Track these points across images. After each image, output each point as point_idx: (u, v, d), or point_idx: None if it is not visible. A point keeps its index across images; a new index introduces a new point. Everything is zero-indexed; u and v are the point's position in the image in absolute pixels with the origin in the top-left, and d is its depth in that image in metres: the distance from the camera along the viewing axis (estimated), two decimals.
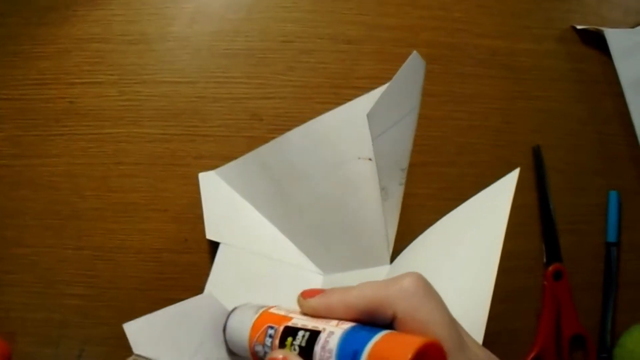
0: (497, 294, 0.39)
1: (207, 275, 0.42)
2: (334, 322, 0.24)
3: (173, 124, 0.43)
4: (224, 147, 0.43)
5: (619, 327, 0.47)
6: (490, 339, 0.47)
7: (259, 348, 0.27)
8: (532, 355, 0.45)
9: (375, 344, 0.21)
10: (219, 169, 0.43)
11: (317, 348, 0.23)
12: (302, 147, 0.38)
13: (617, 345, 0.46)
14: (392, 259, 0.40)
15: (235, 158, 0.43)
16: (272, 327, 0.27)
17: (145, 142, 0.43)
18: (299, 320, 0.26)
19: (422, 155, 0.46)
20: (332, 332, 0.23)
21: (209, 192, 0.42)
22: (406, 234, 0.40)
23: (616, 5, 0.50)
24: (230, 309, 0.33)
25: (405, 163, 0.39)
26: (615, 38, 0.48)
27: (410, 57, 0.33)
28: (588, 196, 0.48)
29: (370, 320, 0.23)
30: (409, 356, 0.19)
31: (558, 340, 0.46)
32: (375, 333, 0.22)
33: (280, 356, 0.24)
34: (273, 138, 0.43)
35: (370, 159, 0.36)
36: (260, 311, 0.29)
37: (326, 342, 0.23)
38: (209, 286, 0.40)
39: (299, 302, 0.27)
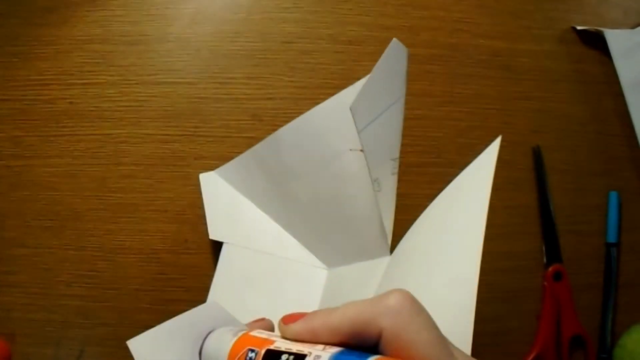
0: (497, 295, 0.39)
1: (207, 275, 0.42)
2: (320, 346, 0.23)
3: (173, 125, 0.43)
4: (224, 147, 0.44)
5: (619, 327, 0.47)
6: (491, 340, 0.47)
7: None
8: (532, 355, 0.45)
9: None
10: (219, 169, 0.43)
11: None
12: (295, 142, 0.38)
13: (617, 345, 0.46)
14: (392, 249, 0.40)
15: None
16: (252, 350, 0.25)
17: (146, 142, 0.43)
18: (282, 344, 0.24)
19: (421, 155, 0.46)
20: (319, 357, 0.22)
21: (210, 192, 0.42)
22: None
23: (616, 5, 0.50)
24: (235, 308, 0.33)
25: (395, 153, 0.39)
26: (615, 38, 0.48)
27: (390, 44, 0.32)
28: (588, 197, 0.48)
29: (357, 342, 0.22)
30: None
31: (558, 340, 0.46)
32: (364, 357, 0.21)
33: None
34: None
35: (362, 150, 0.36)
36: (240, 334, 0.28)
37: None
38: (214, 287, 0.40)
39: (280, 328, 0.25)
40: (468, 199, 0.35)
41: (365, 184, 0.37)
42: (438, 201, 0.40)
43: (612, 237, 0.47)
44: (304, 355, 0.22)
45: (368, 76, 0.34)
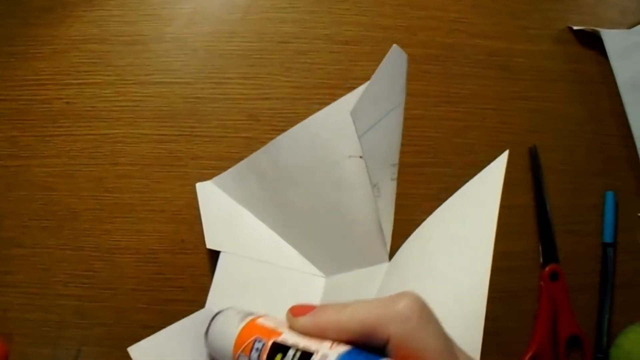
0: (493, 295, 0.39)
1: (204, 275, 0.42)
2: (327, 343, 0.23)
3: (170, 125, 0.43)
4: (220, 147, 0.44)
5: (616, 327, 0.47)
6: (487, 340, 0.47)
7: None
8: (528, 355, 0.45)
9: None
10: (215, 178, 0.43)
11: None
12: (293, 150, 0.38)
13: (613, 345, 0.46)
14: (391, 256, 0.40)
15: (232, 158, 0.43)
16: (259, 341, 0.25)
17: (142, 142, 0.43)
18: (289, 337, 0.24)
19: (418, 155, 0.46)
20: (326, 356, 0.22)
21: (206, 201, 0.42)
22: (404, 235, 0.41)
23: (613, 5, 0.50)
24: None
25: (395, 158, 0.39)
26: (612, 39, 0.48)
27: (391, 50, 0.33)
28: (584, 197, 0.48)
29: (364, 342, 0.22)
30: None
31: (554, 340, 0.46)
32: None
33: None
34: (270, 138, 0.43)
35: (361, 157, 0.36)
36: (247, 320, 0.28)
37: None
38: (211, 296, 0.40)
39: (288, 319, 0.25)
40: (476, 209, 0.35)
41: (364, 190, 0.37)
42: (441, 211, 0.39)
43: (608, 237, 0.47)
44: (311, 353, 0.23)
45: (367, 82, 0.34)
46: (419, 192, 0.46)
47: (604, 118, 0.49)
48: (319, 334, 0.23)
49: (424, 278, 0.36)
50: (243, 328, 0.28)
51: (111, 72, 0.43)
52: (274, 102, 0.44)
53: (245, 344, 0.26)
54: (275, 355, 0.24)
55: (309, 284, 0.41)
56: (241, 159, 0.42)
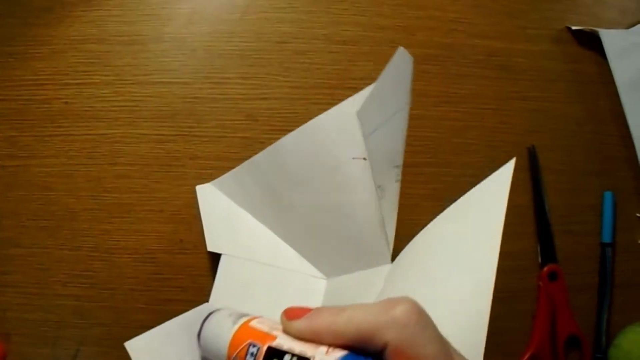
0: (492, 295, 0.39)
1: (203, 275, 0.43)
2: (323, 347, 0.23)
3: (168, 125, 0.43)
4: (219, 147, 0.44)
5: (614, 327, 0.47)
6: (486, 340, 0.47)
7: None
8: (527, 355, 0.45)
9: None
10: (215, 181, 0.43)
11: None
12: (296, 152, 0.38)
13: (612, 345, 0.46)
14: (393, 257, 0.40)
15: (231, 158, 0.43)
16: (254, 345, 0.25)
17: (141, 142, 0.43)
18: (285, 341, 0.24)
19: (417, 155, 0.46)
20: None
21: (207, 204, 0.42)
22: (402, 235, 0.41)
23: (611, 5, 0.50)
24: None
25: (399, 160, 0.39)
26: (611, 39, 0.48)
27: (397, 53, 0.33)
28: (583, 197, 0.48)
29: (360, 347, 0.22)
30: None
31: (553, 340, 0.46)
32: None
33: None
34: (268, 138, 0.43)
35: (364, 159, 0.36)
36: (240, 322, 0.28)
37: None
38: (213, 299, 0.40)
39: (282, 322, 0.25)
40: (482, 216, 0.35)
41: (368, 191, 0.37)
42: (446, 216, 0.39)
43: (607, 237, 0.47)
44: (307, 359, 0.22)
45: (370, 85, 0.34)
46: (418, 192, 0.46)
47: (603, 118, 0.49)
48: (315, 339, 0.23)
49: (427, 281, 0.36)
50: (237, 331, 0.27)
51: (110, 72, 0.43)
52: (273, 102, 0.44)
53: (240, 348, 0.26)
54: None
55: (311, 286, 0.41)
56: (240, 158, 0.42)
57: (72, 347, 0.41)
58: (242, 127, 0.44)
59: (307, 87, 0.45)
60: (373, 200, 0.37)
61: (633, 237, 0.49)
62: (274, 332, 0.25)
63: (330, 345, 0.23)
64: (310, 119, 0.37)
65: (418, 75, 0.47)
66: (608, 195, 0.48)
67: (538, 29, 0.49)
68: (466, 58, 0.47)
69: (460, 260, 0.35)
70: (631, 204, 0.49)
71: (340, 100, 0.37)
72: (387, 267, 0.39)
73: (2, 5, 0.43)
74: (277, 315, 0.28)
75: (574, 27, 0.49)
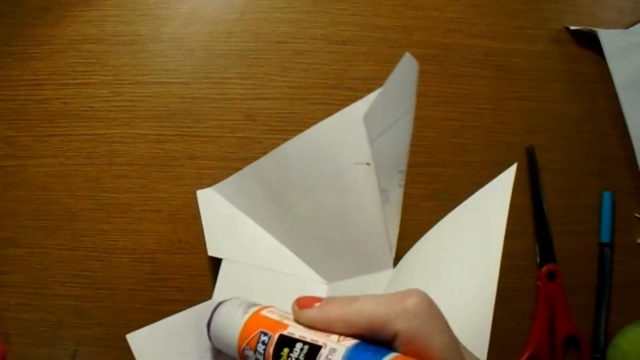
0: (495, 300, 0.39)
1: (201, 275, 0.43)
2: (334, 336, 0.23)
3: (167, 125, 0.43)
4: (217, 147, 0.44)
5: (613, 327, 0.47)
6: None
7: (249, 353, 0.26)
8: (525, 355, 0.45)
9: None
10: (216, 186, 0.43)
11: None
12: (299, 157, 0.38)
13: (610, 345, 0.46)
14: (395, 261, 0.40)
15: (229, 159, 0.43)
16: (265, 334, 0.25)
17: (139, 142, 0.43)
18: (296, 330, 0.24)
19: (416, 155, 0.46)
20: (334, 350, 0.22)
21: (208, 209, 0.42)
22: (400, 235, 0.40)
23: (610, 5, 0.50)
24: None
25: (403, 165, 0.39)
26: (609, 39, 0.48)
27: (403, 58, 0.33)
28: (582, 197, 0.48)
29: (370, 336, 0.23)
30: None
31: (552, 340, 0.46)
32: (381, 356, 0.21)
33: None
34: (267, 139, 0.43)
35: (368, 164, 0.36)
36: (251, 311, 0.28)
37: (328, 359, 0.22)
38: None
39: (293, 311, 0.25)
40: (484, 221, 0.35)
41: (371, 196, 0.37)
42: (447, 222, 0.39)
43: (605, 237, 0.47)
44: (320, 346, 0.22)
45: (376, 91, 0.34)
46: (416, 192, 0.46)
47: (601, 118, 0.49)
48: (326, 327, 0.24)
49: (430, 285, 0.36)
50: (247, 320, 0.27)
51: (108, 72, 0.43)
52: (271, 102, 0.44)
53: (251, 337, 0.26)
54: (281, 349, 0.24)
55: (312, 291, 0.41)
56: (238, 158, 0.42)
57: (70, 347, 0.41)
58: (241, 127, 0.44)
59: (306, 87, 0.45)
60: (376, 205, 0.37)
61: (632, 237, 0.49)
62: (285, 321, 0.26)
63: (341, 334, 0.23)
64: (309, 119, 0.37)
65: None
66: (607, 195, 0.48)
67: (536, 29, 0.49)
68: (464, 58, 0.47)
69: (463, 264, 0.35)
70: (630, 204, 0.49)
71: (340, 100, 0.37)
72: (389, 273, 0.39)
73: (0, 5, 0.43)
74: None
75: (572, 27, 0.49)
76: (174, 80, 0.44)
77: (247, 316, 0.28)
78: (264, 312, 0.27)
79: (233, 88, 0.44)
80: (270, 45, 0.45)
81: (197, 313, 0.33)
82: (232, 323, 0.28)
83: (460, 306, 0.32)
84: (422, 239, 0.41)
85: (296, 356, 0.23)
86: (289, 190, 0.39)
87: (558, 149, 0.48)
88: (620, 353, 0.45)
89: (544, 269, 0.46)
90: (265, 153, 0.39)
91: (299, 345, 0.23)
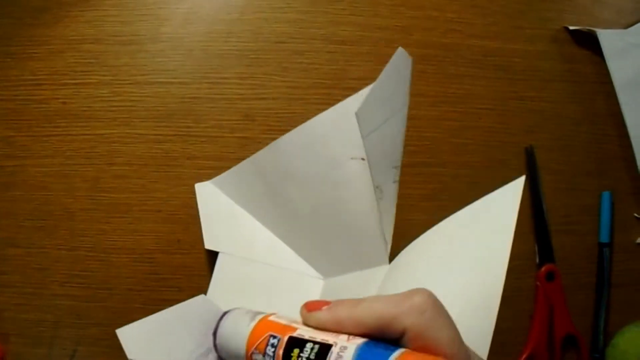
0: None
1: (200, 275, 0.43)
2: (344, 336, 0.23)
3: (166, 125, 0.43)
4: (216, 147, 0.44)
5: (612, 327, 0.47)
6: None
7: (258, 357, 0.26)
8: (524, 355, 0.45)
9: None
10: (215, 179, 0.43)
11: None
12: (295, 151, 0.38)
13: (609, 345, 0.46)
14: (391, 258, 0.40)
15: (228, 158, 0.43)
16: (274, 336, 0.25)
17: (138, 142, 0.43)
18: (305, 332, 0.25)
19: (415, 155, 0.46)
20: (345, 347, 0.22)
21: (205, 202, 0.42)
22: (399, 235, 0.40)
23: (609, 5, 0.50)
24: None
25: (398, 161, 0.39)
26: (608, 39, 0.48)
27: (396, 53, 0.33)
28: (581, 197, 0.48)
29: (379, 335, 0.23)
30: None
31: (551, 340, 0.46)
32: (390, 352, 0.21)
33: None
34: (266, 139, 0.43)
35: (363, 159, 0.36)
36: (258, 318, 0.28)
37: (339, 356, 0.22)
38: (209, 296, 0.40)
39: (302, 314, 0.26)
40: (491, 228, 0.36)
41: (366, 192, 0.37)
42: (449, 223, 0.40)
43: (604, 237, 0.48)
44: (330, 345, 0.23)
45: (369, 85, 0.34)
46: (415, 192, 0.46)
47: (601, 118, 0.49)
48: (336, 328, 0.24)
49: (431, 283, 0.36)
50: (255, 326, 0.27)
51: (107, 72, 0.43)
52: (270, 102, 0.44)
53: (259, 340, 0.26)
54: (292, 350, 0.24)
55: (308, 286, 0.41)
56: (237, 158, 0.42)
57: (69, 347, 0.41)
58: (240, 127, 0.44)
59: (305, 87, 0.45)
60: (371, 201, 0.37)
61: (631, 237, 0.49)
62: (294, 325, 0.26)
63: (350, 333, 0.24)
64: (308, 119, 0.37)
65: (416, 75, 0.46)
66: (606, 195, 0.48)
67: (535, 29, 0.49)
68: (464, 58, 0.47)
69: (469, 266, 0.35)
70: (629, 204, 0.49)
71: (338, 100, 0.37)
72: (385, 268, 0.39)
73: None
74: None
75: (571, 27, 0.49)
76: (173, 80, 0.43)
77: (254, 323, 0.28)
78: (272, 318, 0.28)
79: (232, 88, 0.44)
80: (269, 45, 0.45)
81: (186, 308, 0.33)
82: (239, 330, 0.28)
83: (463, 307, 0.33)
84: (421, 238, 0.41)
85: (307, 356, 0.23)
86: (285, 184, 0.40)
87: (557, 149, 0.48)
88: (619, 353, 0.45)
89: (543, 269, 0.46)
90: None
91: (309, 345, 0.23)
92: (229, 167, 0.42)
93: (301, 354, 0.23)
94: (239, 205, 0.43)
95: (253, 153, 0.40)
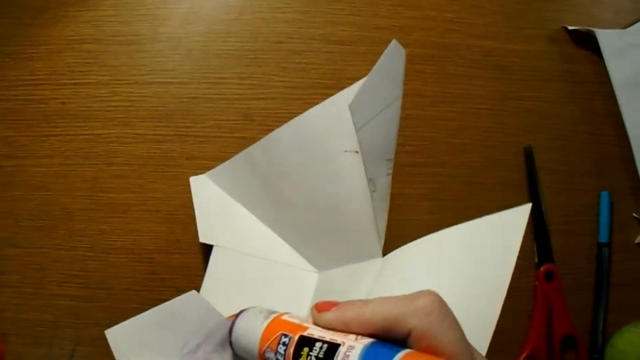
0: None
1: (198, 275, 0.42)
2: (352, 336, 0.24)
3: (164, 125, 0.43)
4: (215, 147, 0.44)
5: (611, 327, 0.47)
6: None
7: (270, 355, 0.27)
8: (523, 355, 0.45)
9: None
10: (209, 172, 0.43)
11: None
12: (289, 144, 0.38)
13: (608, 345, 0.46)
14: (385, 252, 0.40)
15: (227, 159, 0.43)
16: (286, 335, 0.26)
17: (137, 142, 0.43)
18: (315, 331, 0.25)
19: (413, 155, 0.46)
20: (352, 347, 0.23)
21: (200, 195, 0.42)
22: (398, 234, 0.40)
23: (608, 5, 0.50)
24: (224, 311, 0.33)
25: (391, 153, 0.39)
26: (607, 39, 0.48)
27: (389, 46, 0.33)
28: (579, 197, 0.48)
29: (385, 335, 0.24)
30: None
31: (549, 340, 0.46)
32: (396, 351, 0.22)
33: None
34: None
35: (356, 152, 0.36)
36: (272, 317, 0.29)
37: (346, 355, 0.23)
38: (204, 290, 0.40)
39: (312, 315, 0.27)
40: (498, 240, 0.36)
41: (359, 185, 0.37)
42: (451, 233, 0.40)
43: (603, 237, 0.47)
44: (338, 345, 0.24)
45: (364, 78, 0.34)
46: (414, 192, 0.46)
47: (599, 118, 0.49)
48: (344, 328, 0.25)
49: (432, 282, 0.36)
50: (268, 324, 0.28)
51: (106, 72, 0.43)
52: (269, 102, 0.44)
53: (272, 339, 0.27)
54: (302, 348, 0.25)
55: (302, 279, 0.41)
56: None
57: (68, 347, 0.41)
58: (239, 127, 0.44)
59: (304, 87, 0.45)
60: (364, 193, 0.37)
61: (629, 237, 0.49)
62: (305, 324, 0.27)
63: (357, 334, 0.24)
64: (300, 114, 0.37)
65: (414, 75, 0.47)
66: (604, 195, 0.48)
67: (534, 29, 0.49)
68: (462, 58, 0.47)
69: (468, 278, 0.35)
70: (628, 204, 0.49)
71: None
72: (378, 261, 0.39)
73: None
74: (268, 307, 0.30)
75: (570, 27, 0.49)
76: (171, 80, 0.44)
77: (267, 321, 0.29)
78: (285, 317, 0.29)
79: (231, 88, 0.44)
80: (268, 45, 0.45)
81: (174, 306, 0.33)
82: (254, 328, 0.29)
83: (465, 308, 0.33)
84: (419, 241, 0.40)
85: (316, 354, 0.24)
86: (279, 178, 0.40)
87: (556, 149, 0.48)
88: (618, 353, 0.45)
89: (542, 269, 0.46)
90: None
91: (318, 344, 0.24)
92: None
93: (310, 353, 0.24)
94: (233, 199, 0.43)
95: None
